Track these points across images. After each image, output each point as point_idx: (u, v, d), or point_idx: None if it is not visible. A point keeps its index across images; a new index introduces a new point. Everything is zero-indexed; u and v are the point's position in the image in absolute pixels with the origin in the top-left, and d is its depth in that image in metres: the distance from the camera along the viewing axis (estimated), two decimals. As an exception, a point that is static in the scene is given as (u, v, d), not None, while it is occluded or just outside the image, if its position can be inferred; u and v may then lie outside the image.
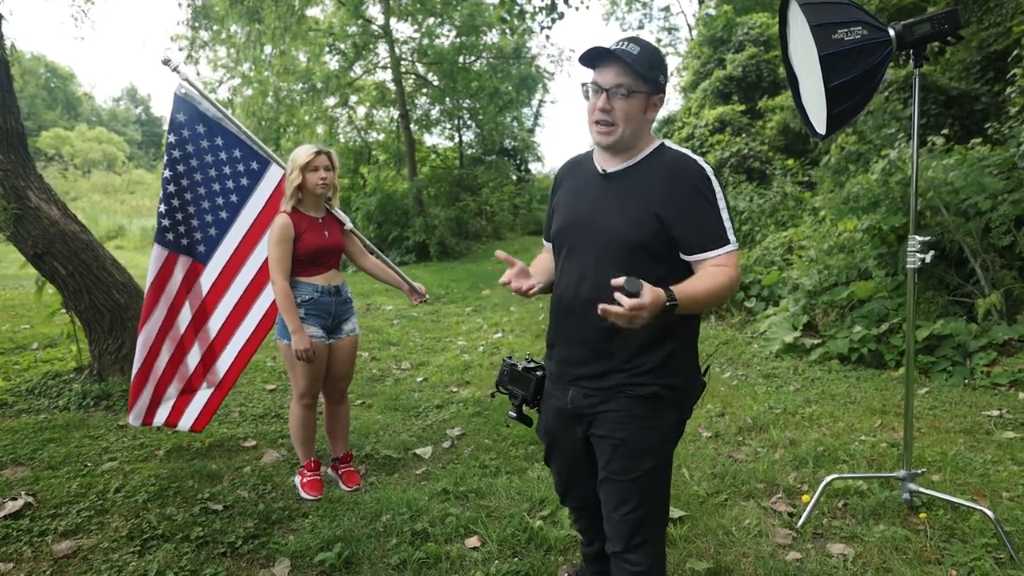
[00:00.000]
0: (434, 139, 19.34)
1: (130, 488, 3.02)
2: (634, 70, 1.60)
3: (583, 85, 1.69)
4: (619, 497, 1.74)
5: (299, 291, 2.87)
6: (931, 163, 5.12)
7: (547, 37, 23.16)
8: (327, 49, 15.33)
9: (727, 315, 6.79)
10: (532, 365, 1.94)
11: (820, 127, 2.50)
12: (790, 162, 9.52)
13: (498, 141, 19.16)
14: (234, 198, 3.15)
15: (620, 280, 1.41)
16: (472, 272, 11.89)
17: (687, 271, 1.65)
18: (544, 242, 2.00)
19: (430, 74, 16.67)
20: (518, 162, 21.09)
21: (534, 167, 22.04)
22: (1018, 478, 2.98)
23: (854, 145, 6.99)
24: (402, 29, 16.19)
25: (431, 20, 15.66)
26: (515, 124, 20.28)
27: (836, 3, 2.34)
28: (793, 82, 2.75)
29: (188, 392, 3.27)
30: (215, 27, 13.53)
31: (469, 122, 18.59)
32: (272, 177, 3.15)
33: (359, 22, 14.67)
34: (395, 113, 16.56)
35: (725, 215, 1.64)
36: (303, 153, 2.84)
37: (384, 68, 16.12)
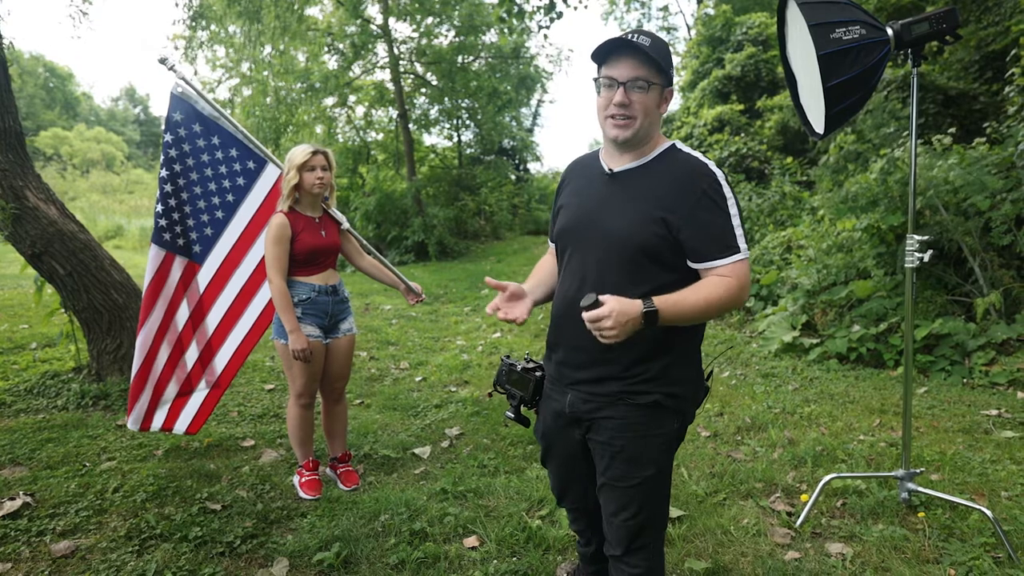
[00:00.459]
0: (433, 139, 19.37)
1: (128, 488, 3.02)
2: (652, 60, 1.57)
3: (595, 80, 1.64)
4: (619, 503, 1.72)
5: (296, 291, 2.86)
6: (933, 163, 5.12)
7: (545, 37, 23.10)
8: (326, 49, 15.32)
9: (726, 315, 6.80)
10: (531, 365, 1.90)
11: (819, 126, 2.51)
12: (789, 161, 9.53)
13: (497, 141, 19.16)
14: (230, 197, 3.14)
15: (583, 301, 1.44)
16: (471, 272, 11.88)
17: (699, 279, 1.60)
18: (549, 243, 1.97)
19: (429, 74, 16.66)
20: (517, 162, 21.09)
21: (533, 167, 22.07)
22: (1016, 477, 2.98)
23: (853, 144, 7.00)
24: (401, 29, 16.26)
25: (430, 20, 15.66)
26: (514, 124, 20.30)
27: (834, 2, 2.34)
28: (792, 81, 2.75)
29: (184, 394, 3.26)
30: (213, 27, 13.51)
31: (468, 122, 18.58)
32: (268, 176, 3.15)
33: (358, 22, 14.66)
34: (394, 113, 16.56)
35: (736, 222, 1.58)
36: (300, 153, 2.83)
37: (383, 68, 16.12)
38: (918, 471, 2.74)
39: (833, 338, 5.12)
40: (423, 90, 17.09)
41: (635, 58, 1.57)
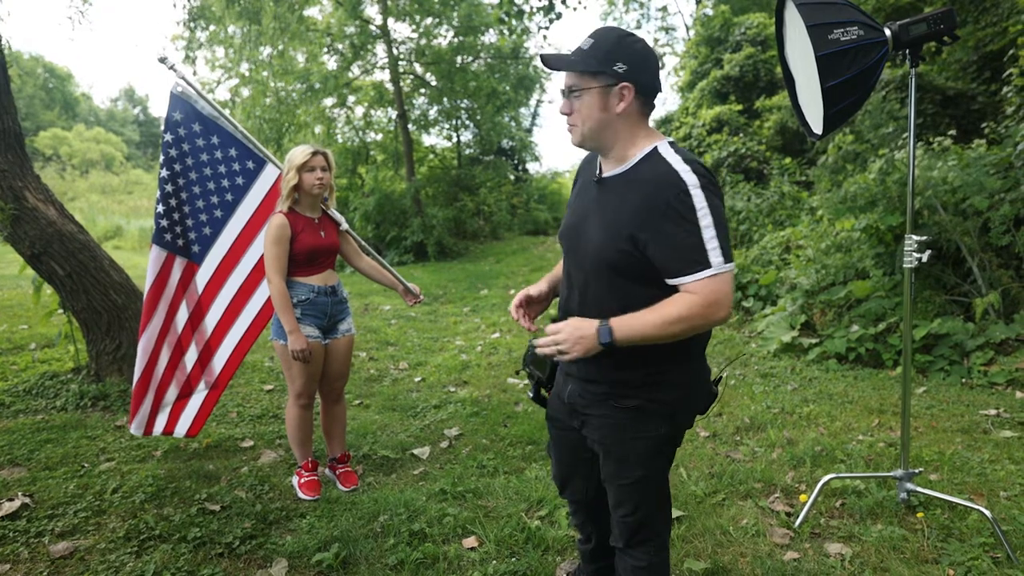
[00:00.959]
0: (432, 139, 19.35)
1: (127, 489, 3.02)
2: (576, 69, 1.55)
3: None
4: (616, 499, 1.75)
5: (295, 291, 2.87)
6: (930, 163, 5.13)
7: (545, 37, 23.17)
8: (325, 49, 15.32)
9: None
10: None
11: (817, 127, 2.51)
12: (787, 161, 9.54)
13: (496, 141, 19.15)
14: (229, 197, 3.14)
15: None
16: (470, 272, 11.88)
17: None
18: None
19: (428, 74, 16.65)
20: (516, 162, 21.08)
21: (532, 167, 22.04)
22: (1015, 477, 2.99)
23: (851, 144, 7.01)
24: (400, 29, 16.23)
25: (429, 20, 15.65)
26: (513, 124, 20.27)
27: (832, 3, 2.34)
28: (790, 82, 2.76)
29: (184, 396, 3.25)
30: (212, 27, 13.50)
31: (467, 122, 18.57)
32: (268, 177, 3.14)
33: (357, 22, 14.65)
34: (393, 113, 16.55)
35: (709, 234, 1.43)
36: (299, 153, 2.83)
37: (382, 68, 16.11)
38: (917, 471, 2.74)
39: (832, 338, 5.12)
40: (422, 90, 17.09)
41: (564, 71, 1.59)
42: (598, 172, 1.66)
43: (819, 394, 4.32)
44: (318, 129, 16.03)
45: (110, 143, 39.56)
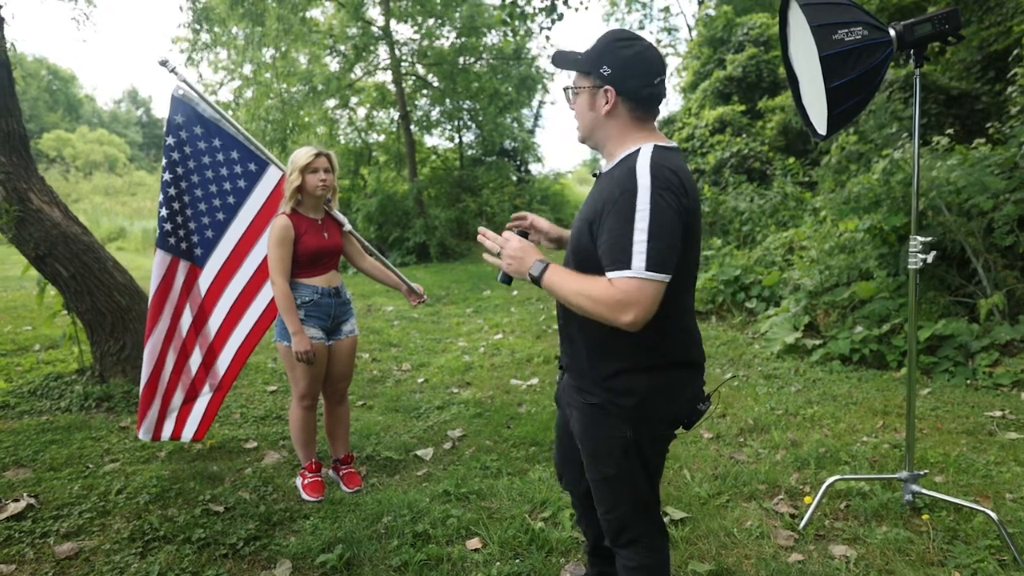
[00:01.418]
0: (434, 140, 19.34)
1: (132, 490, 3.02)
2: (570, 68, 1.65)
3: None
4: (595, 496, 1.76)
5: (299, 293, 2.87)
6: (934, 163, 5.12)
7: (547, 38, 23.20)
8: (327, 51, 15.34)
9: (728, 316, 6.79)
10: None
11: (821, 127, 2.50)
12: (791, 162, 9.52)
13: (498, 142, 19.14)
14: (231, 199, 3.14)
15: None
16: (473, 273, 11.89)
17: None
18: None
19: (430, 75, 16.67)
20: (518, 163, 21.06)
21: (534, 168, 21.98)
22: (1021, 479, 2.97)
23: (855, 145, 7.00)
24: (402, 31, 16.23)
25: (431, 21, 15.65)
26: (515, 125, 20.25)
27: (836, 3, 2.34)
28: (794, 82, 2.75)
29: (190, 400, 3.25)
30: (216, 29, 13.53)
31: (469, 123, 18.57)
32: (270, 179, 3.14)
33: (359, 24, 14.67)
34: (395, 114, 16.56)
35: (640, 236, 1.40)
36: (303, 155, 2.84)
37: (384, 70, 16.13)
38: (922, 473, 2.73)
39: (836, 339, 5.11)
40: (424, 91, 17.10)
41: (565, 70, 1.68)
42: (599, 169, 1.74)
43: (823, 395, 4.31)
44: (320, 130, 16.06)
45: (113, 145, 39.68)
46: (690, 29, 23.25)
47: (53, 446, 3.54)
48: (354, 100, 16.76)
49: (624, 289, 1.40)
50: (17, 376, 4.91)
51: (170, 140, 3.05)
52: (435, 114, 18.00)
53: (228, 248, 3.18)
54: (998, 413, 3.80)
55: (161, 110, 54.32)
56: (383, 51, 15.58)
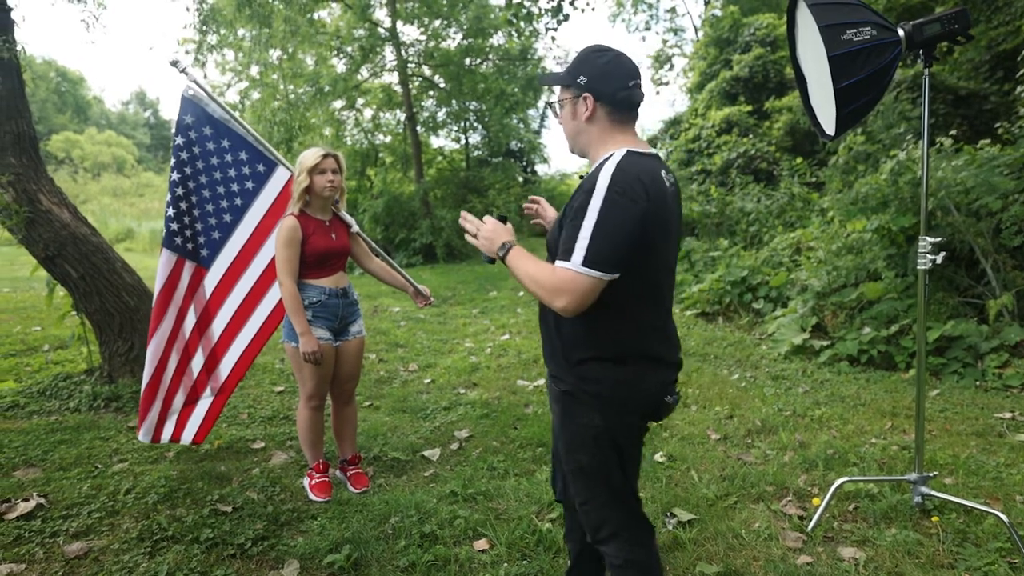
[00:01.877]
0: (440, 141, 19.38)
1: (140, 489, 3.04)
2: (552, 83, 1.78)
3: None
4: (572, 488, 1.78)
5: (306, 294, 2.88)
6: (941, 163, 5.09)
7: (553, 39, 23.15)
8: (334, 52, 15.39)
9: (735, 317, 6.77)
10: None
11: (829, 128, 2.49)
12: (798, 162, 9.49)
13: (504, 143, 19.16)
14: (239, 201, 3.14)
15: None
16: (479, 274, 11.89)
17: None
18: None
19: (436, 76, 16.69)
20: (524, 163, 21.09)
21: (540, 168, 22.03)
22: (1031, 481, 2.95)
23: (863, 145, 6.97)
24: (408, 32, 16.20)
25: (437, 23, 15.69)
26: (521, 126, 20.27)
27: (845, 3, 2.33)
28: (802, 82, 2.74)
29: (191, 403, 3.26)
30: (223, 30, 13.59)
31: (475, 124, 18.59)
32: (278, 180, 3.14)
33: (366, 25, 14.71)
34: (402, 115, 16.59)
35: (585, 233, 1.50)
36: (311, 156, 2.85)
37: (391, 71, 16.16)
38: (931, 475, 2.71)
39: (844, 340, 5.09)
40: (431, 92, 17.13)
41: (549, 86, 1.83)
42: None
43: (831, 396, 4.29)
44: (327, 131, 16.11)
45: (121, 146, 39.94)
46: (696, 30, 23.20)
47: (62, 446, 3.56)
48: (360, 101, 16.81)
49: (561, 278, 1.52)
50: (27, 376, 4.95)
51: (179, 140, 3.05)
52: (441, 115, 18.03)
53: (235, 250, 3.18)
54: (1008, 415, 3.77)
55: (169, 112, 54.78)
56: (389, 52, 15.62)
